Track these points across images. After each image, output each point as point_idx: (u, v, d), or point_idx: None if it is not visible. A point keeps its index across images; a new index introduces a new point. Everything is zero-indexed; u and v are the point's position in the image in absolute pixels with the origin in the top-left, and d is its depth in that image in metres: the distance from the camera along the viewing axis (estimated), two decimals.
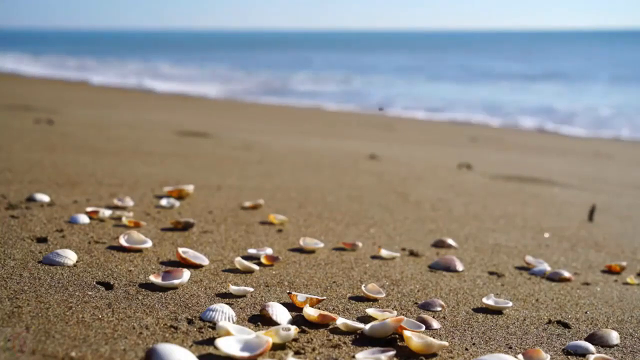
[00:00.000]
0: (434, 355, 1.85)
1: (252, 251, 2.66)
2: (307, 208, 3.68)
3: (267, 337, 1.73)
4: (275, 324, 1.94)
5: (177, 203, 3.40)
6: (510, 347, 1.99)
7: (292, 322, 1.97)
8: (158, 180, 4.02)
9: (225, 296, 2.16)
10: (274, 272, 2.48)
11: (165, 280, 2.19)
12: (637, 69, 28.74)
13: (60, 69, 25.05)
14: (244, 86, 20.69)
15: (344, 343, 1.86)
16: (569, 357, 1.95)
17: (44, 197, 3.22)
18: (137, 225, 2.87)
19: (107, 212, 2.99)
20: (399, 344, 1.89)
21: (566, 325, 2.21)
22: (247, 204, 3.54)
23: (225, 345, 1.68)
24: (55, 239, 2.59)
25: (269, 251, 2.67)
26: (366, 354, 1.78)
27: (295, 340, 1.83)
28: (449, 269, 2.73)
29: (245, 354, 1.67)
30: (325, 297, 2.22)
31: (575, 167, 7.35)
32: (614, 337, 2.11)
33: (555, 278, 2.74)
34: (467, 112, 14.35)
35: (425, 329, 2.04)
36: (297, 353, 1.76)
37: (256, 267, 2.47)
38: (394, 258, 2.84)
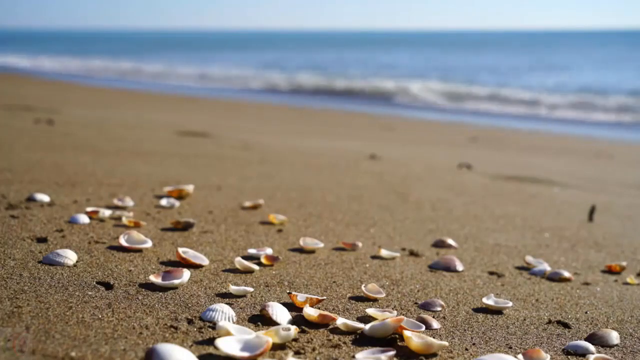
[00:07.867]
0: (434, 355, 1.85)
1: (252, 251, 2.66)
2: (307, 208, 3.68)
3: (267, 337, 1.73)
4: (275, 324, 1.94)
5: (177, 203, 3.40)
6: (510, 347, 1.98)
7: (292, 322, 1.97)
8: (158, 180, 4.02)
9: (225, 296, 2.16)
10: (274, 272, 2.48)
11: (165, 280, 2.19)
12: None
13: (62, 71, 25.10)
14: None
15: (344, 343, 1.86)
16: (569, 357, 1.95)
17: (44, 197, 3.22)
18: (137, 225, 2.87)
19: (107, 212, 2.99)
20: (399, 344, 1.89)
21: (566, 325, 2.21)
22: (247, 204, 3.54)
23: (225, 345, 1.68)
24: (55, 239, 2.59)
25: (269, 251, 2.67)
26: (366, 354, 1.78)
27: (295, 340, 1.83)
28: (449, 269, 2.73)
29: (245, 354, 1.67)
30: (325, 297, 2.22)
31: (575, 167, 7.34)
32: (614, 337, 2.11)
33: (555, 278, 2.74)
34: None
35: (425, 329, 2.04)
36: (297, 353, 1.76)
37: (256, 267, 2.47)
38: (394, 258, 2.84)
